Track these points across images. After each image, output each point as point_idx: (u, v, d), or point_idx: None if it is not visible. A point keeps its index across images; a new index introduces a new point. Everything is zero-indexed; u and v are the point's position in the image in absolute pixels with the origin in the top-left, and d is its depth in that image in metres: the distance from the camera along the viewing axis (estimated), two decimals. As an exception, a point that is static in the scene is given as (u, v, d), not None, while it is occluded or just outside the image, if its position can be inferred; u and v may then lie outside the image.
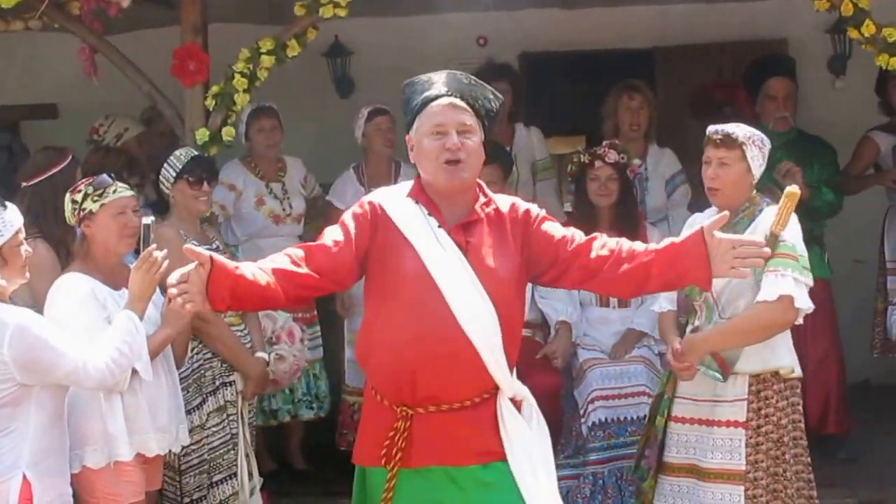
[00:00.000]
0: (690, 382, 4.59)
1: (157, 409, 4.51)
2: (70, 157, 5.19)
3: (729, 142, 4.56)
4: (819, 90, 8.04)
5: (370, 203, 3.81)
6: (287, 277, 3.61)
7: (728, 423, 4.51)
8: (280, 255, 3.69)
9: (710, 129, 4.66)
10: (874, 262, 7.08)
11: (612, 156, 6.07)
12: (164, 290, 4.66)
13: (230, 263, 3.56)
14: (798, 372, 4.60)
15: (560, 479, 5.83)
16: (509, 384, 3.78)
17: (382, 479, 3.73)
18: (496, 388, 3.73)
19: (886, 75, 6.73)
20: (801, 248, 4.49)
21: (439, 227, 3.73)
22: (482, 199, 3.82)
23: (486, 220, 3.78)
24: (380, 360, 3.74)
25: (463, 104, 3.75)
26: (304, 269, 3.64)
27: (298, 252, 3.69)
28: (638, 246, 3.73)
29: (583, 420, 5.81)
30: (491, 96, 3.86)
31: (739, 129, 4.60)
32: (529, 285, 6.03)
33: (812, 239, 5.64)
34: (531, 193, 6.88)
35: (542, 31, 8.27)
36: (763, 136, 4.65)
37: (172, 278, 3.47)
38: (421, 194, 3.80)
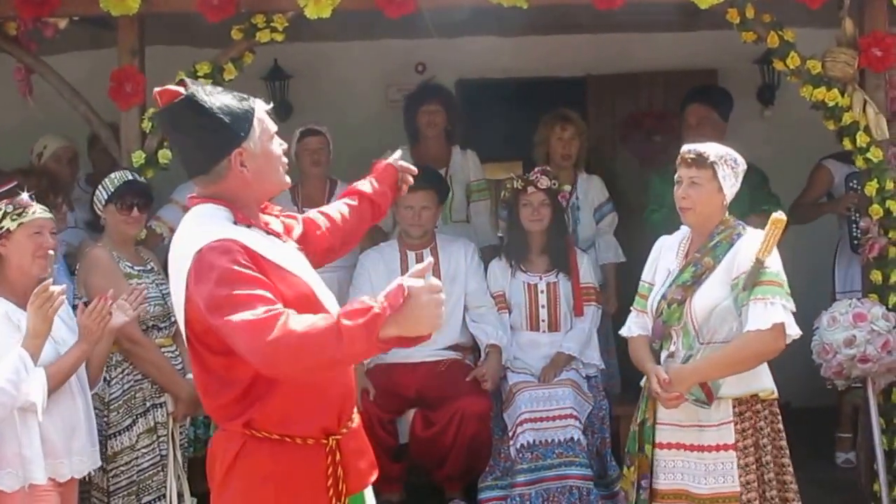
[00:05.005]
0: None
1: (73, 432, 4.49)
2: (12, 185, 5.08)
3: (700, 161, 4.52)
4: (748, 119, 8.18)
5: (232, 247, 3.22)
6: None
7: (717, 448, 4.48)
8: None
9: (684, 148, 4.62)
10: (801, 290, 7.01)
11: (545, 182, 6.19)
12: (86, 303, 4.68)
13: None
14: (776, 394, 4.58)
15: (488, 500, 5.98)
16: None
17: None
18: None
19: None
20: (783, 275, 4.49)
21: (283, 241, 3.45)
22: None
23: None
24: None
25: None
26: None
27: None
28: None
29: (511, 442, 5.89)
30: None
31: (712, 149, 4.56)
32: (462, 309, 6.19)
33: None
34: (466, 214, 7.00)
35: (479, 58, 8.35)
36: (737, 156, 4.59)
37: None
38: (244, 218, 3.34)
